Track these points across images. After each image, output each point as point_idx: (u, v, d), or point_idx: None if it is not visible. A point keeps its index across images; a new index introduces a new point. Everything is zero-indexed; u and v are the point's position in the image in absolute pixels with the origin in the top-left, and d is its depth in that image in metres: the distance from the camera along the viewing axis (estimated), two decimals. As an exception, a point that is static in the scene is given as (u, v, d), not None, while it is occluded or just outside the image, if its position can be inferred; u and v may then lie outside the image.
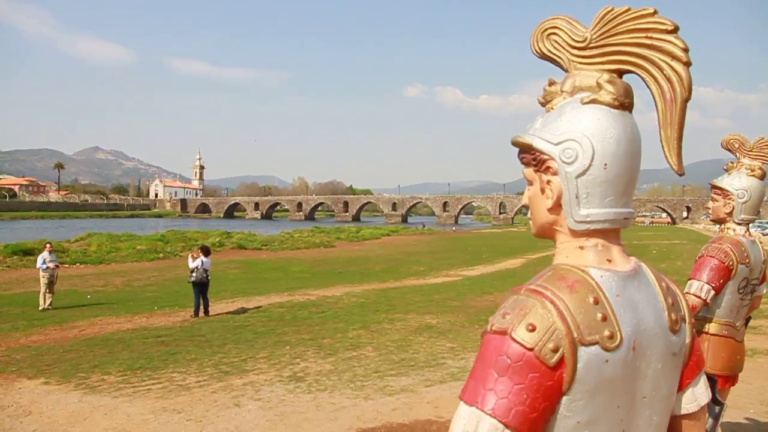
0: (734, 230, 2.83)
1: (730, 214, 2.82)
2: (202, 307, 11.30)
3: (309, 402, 5.80)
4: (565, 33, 1.07)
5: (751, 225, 2.91)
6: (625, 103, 1.01)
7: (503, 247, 33.10)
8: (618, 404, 0.97)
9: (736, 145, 2.88)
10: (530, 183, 1.08)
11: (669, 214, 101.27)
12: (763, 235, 37.03)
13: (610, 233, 1.03)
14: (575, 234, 1.03)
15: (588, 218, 1.00)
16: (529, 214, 1.13)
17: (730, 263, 2.70)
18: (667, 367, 1.03)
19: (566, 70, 1.08)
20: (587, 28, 1.05)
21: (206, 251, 11.79)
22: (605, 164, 0.98)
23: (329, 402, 5.79)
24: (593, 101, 1.01)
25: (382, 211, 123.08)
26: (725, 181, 2.84)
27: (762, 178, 2.82)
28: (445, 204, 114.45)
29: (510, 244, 36.91)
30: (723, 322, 2.81)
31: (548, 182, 1.02)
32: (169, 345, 8.60)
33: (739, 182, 2.80)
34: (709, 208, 2.95)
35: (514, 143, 1.08)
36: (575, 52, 1.06)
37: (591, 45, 1.04)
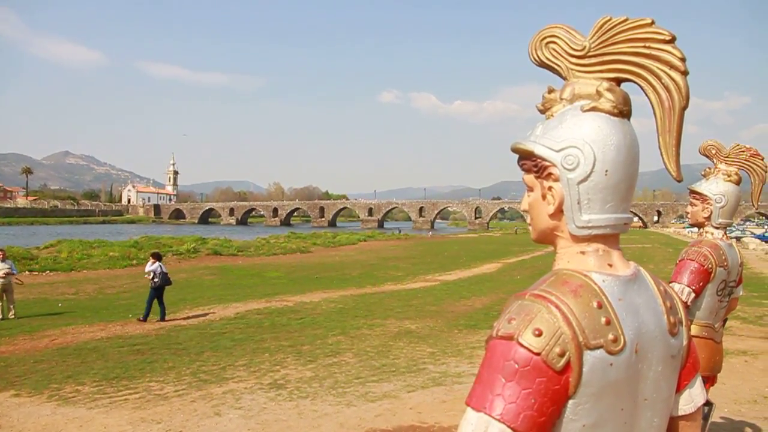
0: (712, 234, 2.90)
1: (708, 218, 2.89)
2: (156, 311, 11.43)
3: (291, 410, 5.74)
4: (564, 42, 1.08)
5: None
6: (624, 111, 1.03)
7: (479, 252, 33.33)
8: (622, 407, 0.98)
9: (713, 152, 2.95)
10: (530, 189, 1.09)
11: (640, 218, 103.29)
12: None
13: (610, 238, 1.05)
14: (576, 239, 1.04)
15: (590, 224, 1.02)
16: (528, 220, 1.14)
17: (710, 266, 2.77)
18: (667, 369, 1.05)
19: (565, 78, 1.10)
20: (585, 37, 1.07)
21: (159, 257, 12.31)
22: (606, 171, 1.00)
23: (311, 409, 5.74)
24: (593, 109, 1.02)
25: (359, 216, 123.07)
26: (703, 186, 2.91)
27: (738, 183, 2.90)
28: (421, 209, 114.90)
29: (486, 248, 37.19)
30: (703, 324, 2.87)
31: (550, 188, 1.03)
32: (146, 353, 8.44)
33: (716, 187, 2.88)
34: (688, 213, 3.03)
35: (515, 150, 1.09)
36: (574, 60, 1.07)
37: (589, 54, 1.06)
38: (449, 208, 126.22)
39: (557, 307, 0.94)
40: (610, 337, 0.94)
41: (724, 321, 3.14)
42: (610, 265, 1.03)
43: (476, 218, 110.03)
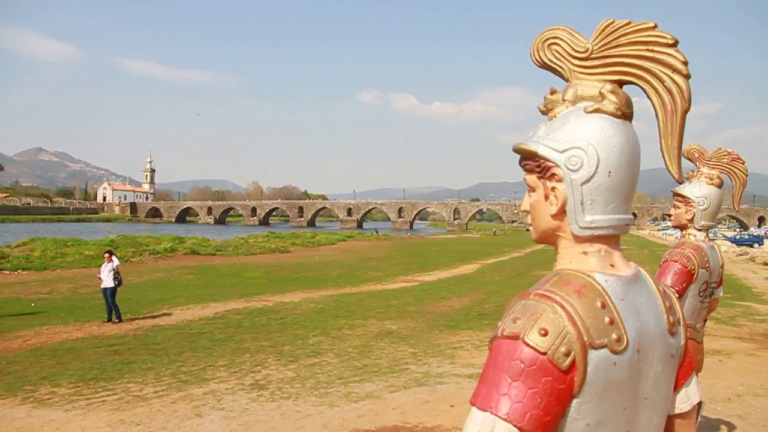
0: (695, 236, 2.96)
1: (691, 220, 2.95)
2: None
3: (273, 410, 5.70)
4: (567, 43, 1.09)
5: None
6: (626, 113, 1.05)
7: (458, 253, 33.46)
8: (624, 406, 0.99)
9: (696, 155, 3.02)
10: (532, 189, 1.09)
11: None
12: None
13: (611, 239, 1.06)
14: (578, 240, 1.05)
15: (592, 224, 1.02)
16: (529, 220, 1.14)
17: (692, 267, 2.82)
18: (666, 368, 1.07)
19: (567, 80, 1.10)
20: (588, 39, 1.08)
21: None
22: (609, 172, 1.01)
23: (294, 410, 5.70)
24: (597, 110, 1.03)
25: (338, 217, 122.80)
26: (686, 189, 2.97)
27: (720, 186, 2.96)
28: (400, 210, 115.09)
29: (465, 249, 37.37)
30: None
31: (553, 189, 1.04)
32: (123, 354, 8.31)
33: (699, 190, 2.94)
34: (671, 215, 3.08)
35: (518, 150, 1.09)
36: (576, 62, 1.08)
37: (592, 56, 1.07)
38: (428, 209, 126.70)
39: (562, 306, 0.94)
40: (614, 336, 0.95)
41: (705, 321, 3.20)
42: (612, 266, 1.04)
43: (455, 219, 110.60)
